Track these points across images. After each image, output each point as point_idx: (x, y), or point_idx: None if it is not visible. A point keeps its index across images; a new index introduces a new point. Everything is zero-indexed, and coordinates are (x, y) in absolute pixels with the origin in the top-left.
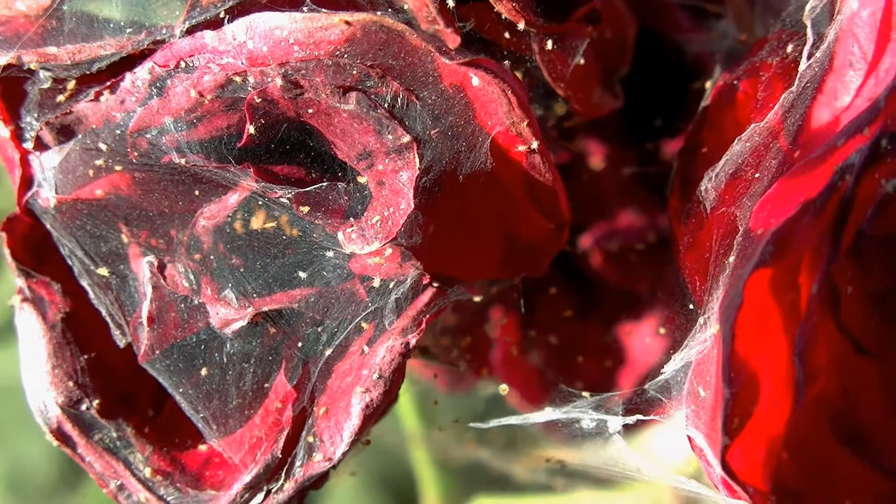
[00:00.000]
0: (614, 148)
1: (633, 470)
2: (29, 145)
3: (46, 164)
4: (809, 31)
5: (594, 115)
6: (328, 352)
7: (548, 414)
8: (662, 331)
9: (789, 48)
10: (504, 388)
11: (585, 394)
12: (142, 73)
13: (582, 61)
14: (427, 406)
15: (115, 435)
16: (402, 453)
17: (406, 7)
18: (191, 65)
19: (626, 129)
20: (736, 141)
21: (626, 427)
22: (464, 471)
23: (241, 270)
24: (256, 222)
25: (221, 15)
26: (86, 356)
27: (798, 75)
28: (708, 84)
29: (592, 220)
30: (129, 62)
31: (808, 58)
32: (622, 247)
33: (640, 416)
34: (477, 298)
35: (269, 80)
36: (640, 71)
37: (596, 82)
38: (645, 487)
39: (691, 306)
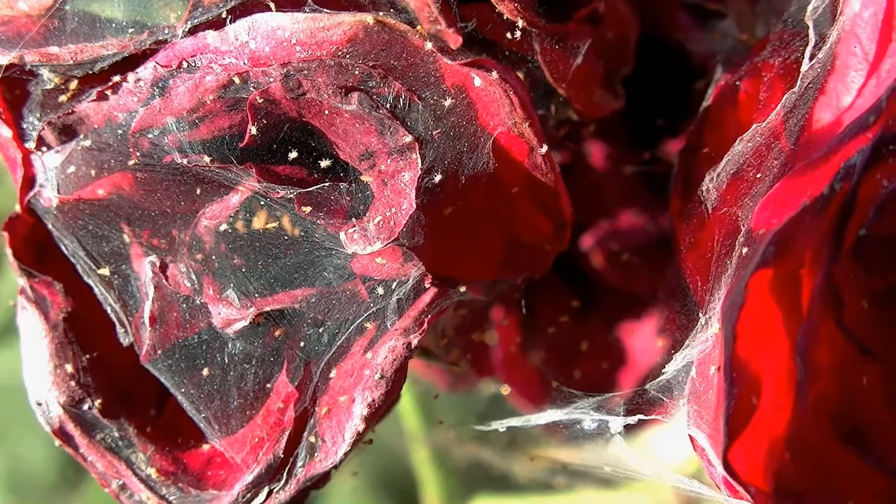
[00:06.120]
0: (616, 147)
1: (634, 470)
2: (31, 145)
3: (49, 164)
4: (812, 32)
5: (596, 116)
6: (330, 352)
7: (549, 415)
8: (660, 343)
9: (791, 49)
10: (506, 389)
11: (582, 393)
12: (144, 73)
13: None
14: (428, 405)
15: (117, 434)
16: (402, 453)
17: (408, 7)
18: (193, 65)
19: (627, 128)
20: (738, 141)
21: (628, 427)
22: (464, 470)
23: (243, 270)
24: (258, 222)
25: (224, 15)
26: (88, 356)
27: (800, 76)
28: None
29: (593, 219)
30: (132, 62)
31: (811, 58)
32: (623, 246)
33: (641, 417)
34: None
35: (272, 80)
36: (641, 71)
37: (597, 82)
38: (646, 487)
39: (692, 306)
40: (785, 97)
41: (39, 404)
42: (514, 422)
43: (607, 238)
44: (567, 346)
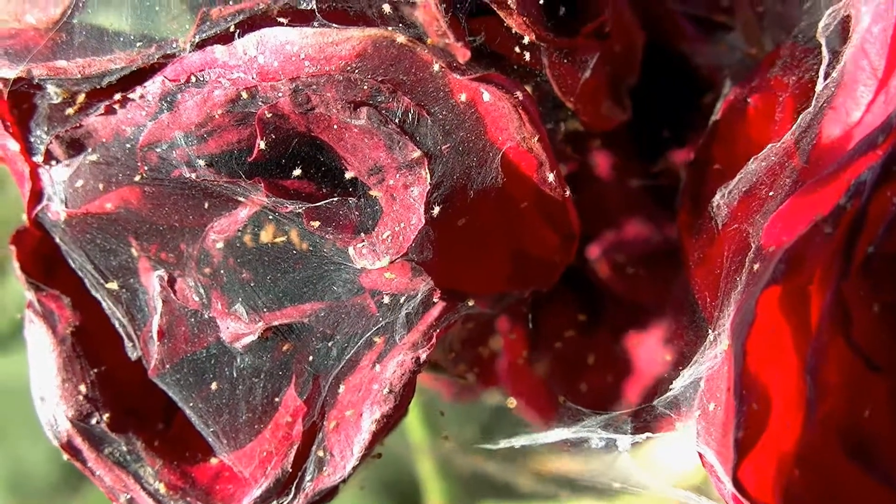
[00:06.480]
0: (621, 158)
1: (641, 485)
2: (39, 159)
3: (56, 178)
4: (825, 50)
5: (603, 128)
6: (339, 366)
7: (557, 434)
8: (666, 355)
9: (804, 66)
10: (512, 402)
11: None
12: (152, 87)
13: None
14: (433, 416)
15: (125, 449)
16: (406, 462)
17: (416, 22)
18: (201, 79)
19: (633, 139)
20: (752, 160)
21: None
22: (468, 479)
23: (252, 285)
24: (266, 236)
25: (232, 29)
26: (96, 370)
27: (815, 95)
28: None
29: (600, 230)
30: (140, 76)
31: (825, 77)
32: (628, 257)
33: (649, 435)
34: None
35: (280, 95)
36: (647, 82)
37: (604, 95)
38: (652, 500)
39: (700, 322)
40: (801, 117)
41: (48, 418)
42: (522, 440)
43: (613, 249)
44: (573, 361)
